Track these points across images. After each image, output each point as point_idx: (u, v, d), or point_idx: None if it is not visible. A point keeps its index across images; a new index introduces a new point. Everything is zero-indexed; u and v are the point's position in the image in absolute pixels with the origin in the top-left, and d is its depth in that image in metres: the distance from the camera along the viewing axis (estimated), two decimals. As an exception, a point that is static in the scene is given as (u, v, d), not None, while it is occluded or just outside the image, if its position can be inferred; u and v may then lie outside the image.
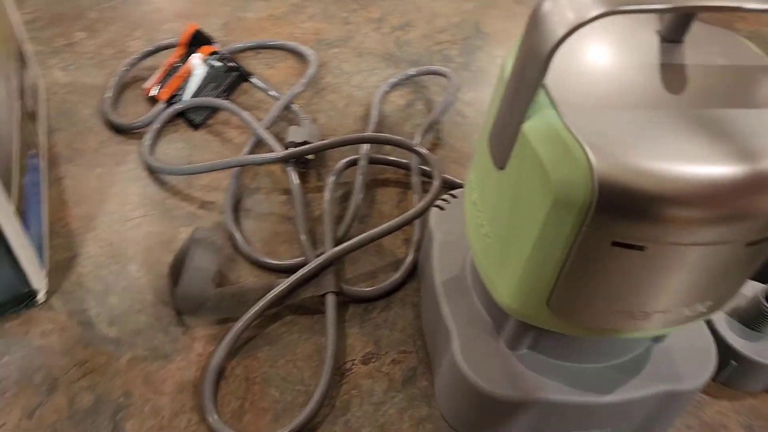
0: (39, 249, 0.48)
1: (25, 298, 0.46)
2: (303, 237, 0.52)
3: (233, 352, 0.46)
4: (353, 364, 0.46)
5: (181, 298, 0.46)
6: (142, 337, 0.46)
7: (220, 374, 0.45)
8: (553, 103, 0.30)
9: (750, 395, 0.46)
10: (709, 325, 0.46)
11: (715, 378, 0.47)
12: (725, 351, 0.45)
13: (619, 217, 0.28)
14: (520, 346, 0.40)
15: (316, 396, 0.43)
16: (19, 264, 0.44)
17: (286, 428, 0.41)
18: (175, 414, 0.43)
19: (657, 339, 0.41)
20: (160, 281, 0.49)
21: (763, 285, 0.46)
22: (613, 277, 0.31)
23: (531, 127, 0.30)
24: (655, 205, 0.27)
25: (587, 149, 0.28)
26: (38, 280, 0.46)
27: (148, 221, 0.53)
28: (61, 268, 0.50)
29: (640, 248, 0.29)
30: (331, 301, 0.47)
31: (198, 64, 0.62)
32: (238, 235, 0.52)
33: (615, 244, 0.29)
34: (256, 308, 0.46)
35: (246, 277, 0.50)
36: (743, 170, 0.27)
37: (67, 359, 0.45)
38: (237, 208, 0.55)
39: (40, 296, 0.47)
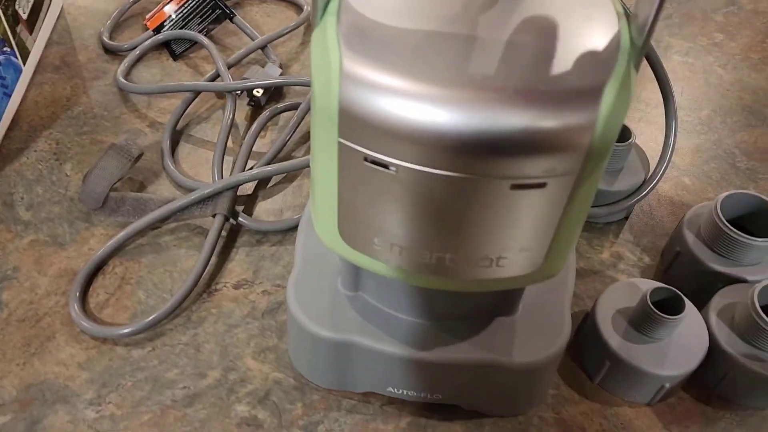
0: (-10, 134, 0.53)
1: (-39, 171, 0.51)
2: (215, 162, 0.54)
3: (118, 252, 0.49)
4: (224, 286, 0.47)
5: (84, 193, 0.49)
6: (48, 224, 0.50)
7: (100, 268, 0.48)
8: (339, 9, 0.29)
9: (628, 405, 0.42)
10: (592, 323, 0.43)
11: (592, 379, 0.44)
12: (601, 349, 0.42)
13: (361, 129, 0.27)
14: (351, 286, 0.39)
15: (169, 303, 0.45)
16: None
17: (133, 325, 0.44)
18: (48, 294, 0.46)
19: (504, 312, 0.39)
20: (88, 183, 0.53)
21: (651, 284, 0.42)
22: (376, 201, 0.30)
23: (316, 32, 0.29)
24: (392, 123, 0.26)
25: (343, 56, 0.27)
26: (-22, 159, 0.52)
27: (99, 130, 0.58)
28: (8, 155, 0.55)
29: (387, 167, 0.28)
30: (217, 222, 0.49)
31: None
32: (166, 151, 0.55)
33: (366, 160, 0.28)
34: (150, 217, 0.49)
35: (163, 192, 0.53)
36: (482, 105, 0.26)
37: (-20, 230, 0.50)
38: (180, 130, 0.58)
39: (-24, 172, 0.52)
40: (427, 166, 0.27)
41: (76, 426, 0.40)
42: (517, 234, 0.30)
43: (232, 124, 0.57)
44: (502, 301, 0.39)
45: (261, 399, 0.42)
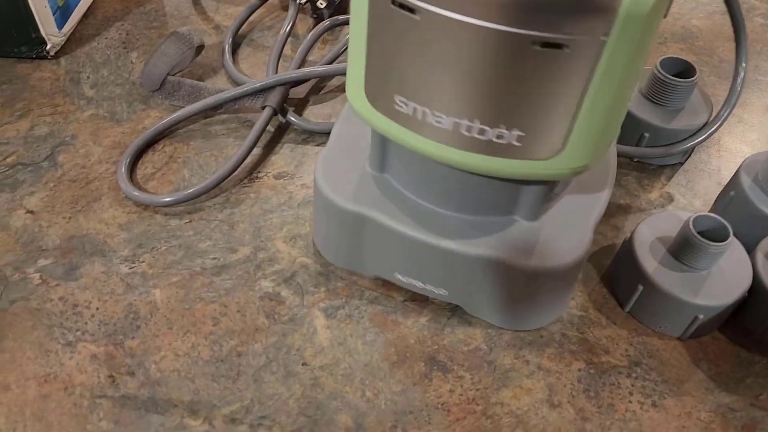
0: (65, 17, 0.56)
1: (35, 44, 0.54)
2: (270, 62, 0.55)
3: (170, 132, 0.51)
4: (265, 175, 0.48)
5: (144, 74, 0.51)
6: (109, 102, 0.52)
7: (151, 145, 0.50)
8: None
9: (658, 336, 0.41)
10: (629, 248, 0.41)
11: (623, 305, 0.42)
12: (636, 273, 0.41)
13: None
14: (377, 166, 0.39)
15: (210, 180, 0.46)
16: (34, 18, 0.52)
17: (173, 195, 0.45)
18: (100, 161, 0.48)
19: (525, 215, 0.39)
20: (151, 71, 0.55)
21: (691, 213, 0.40)
22: (400, 52, 0.30)
23: None
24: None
25: None
26: (52, 37, 0.54)
27: (167, 26, 0.59)
28: (81, 39, 0.58)
29: (413, 11, 0.27)
30: (265, 113, 0.49)
31: None
32: (227, 49, 0.56)
33: (393, 3, 0.28)
34: (203, 103, 0.50)
35: (217, 85, 0.54)
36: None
37: (46, 99, 0.52)
38: (242, 35, 0.60)
39: (50, 48, 0.55)
40: (451, 11, 0.27)
41: (109, 277, 0.42)
42: (536, 104, 0.29)
43: (291, 32, 0.58)
44: (524, 200, 0.38)
45: (286, 279, 0.42)
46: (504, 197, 0.38)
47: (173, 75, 0.52)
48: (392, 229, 0.38)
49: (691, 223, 0.39)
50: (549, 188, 0.37)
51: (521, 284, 0.38)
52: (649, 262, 0.40)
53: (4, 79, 0.54)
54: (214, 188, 0.46)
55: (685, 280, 0.40)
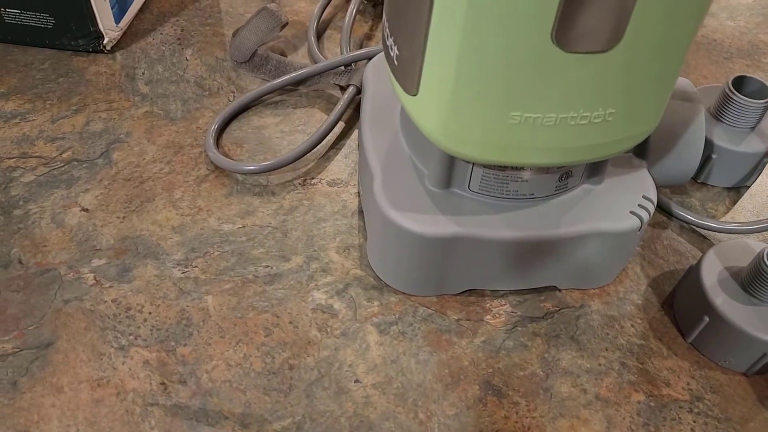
0: (122, 11, 0.56)
1: (93, 38, 0.54)
2: (344, 37, 0.57)
3: (254, 106, 0.53)
4: (319, 182, 0.48)
5: (234, 47, 0.53)
6: (163, 100, 0.52)
7: (236, 116, 0.52)
8: None
9: (722, 370, 0.39)
10: (695, 276, 0.40)
11: (686, 336, 0.41)
12: (701, 303, 0.39)
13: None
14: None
15: (292, 151, 0.48)
16: (93, 11, 0.52)
17: (257, 164, 0.47)
18: (154, 160, 0.48)
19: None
20: (203, 67, 0.55)
21: (765, 245, 0.38)
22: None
23: None
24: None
25: None
26: (109, 31, 0.54)
27: (222, 24, 0.59)
28: (136, 34, 0.57)
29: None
30: (349, 91, 0.51)
31: None
32: (311, 32, 0.58)
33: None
34: (289, 77, 0.52)
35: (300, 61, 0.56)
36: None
37: (102, 94, 0.52)
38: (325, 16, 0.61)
39: (106, 42, 0.54)
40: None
41: (162, 280, 0.42)
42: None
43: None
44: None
45: (339, 291, 0.42)
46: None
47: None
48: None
49: (765, 255, 0.37)
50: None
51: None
52: (717, 294, 0.39)
53: (61, 72, 0.54)
54: (296, 161, 0.48)
55: (754, 313, 0.38)
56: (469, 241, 0.38)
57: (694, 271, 0.41)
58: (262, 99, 0.53)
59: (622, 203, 0.39)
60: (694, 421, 0.37)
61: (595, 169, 0.40)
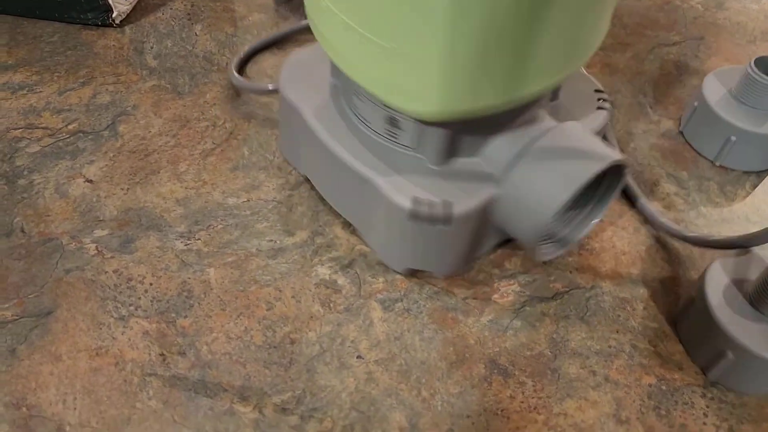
0: (133, -16, 0.55)
1: (102, 11, 0.53)
2: None
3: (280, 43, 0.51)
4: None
5: None
6: (171, 74, 0.52)
7: (262, 50, 0.50)
8: None
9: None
10: (704, 305, 0.36)
11: (707, 373, 0.37)
12: (719, 338, 0.36)
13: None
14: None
15: None
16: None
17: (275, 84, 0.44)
18: (160, 134, 0.47)
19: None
20: (212, 42, 0.54)
21: None
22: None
23: None
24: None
25: None
26: (119, 4, 0.54)
27: (232, 0, 0.58)
28: (146, 9, 0.57)
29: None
30: None
31: None
32: None
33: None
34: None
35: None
36: None
37: (110, 68, 0.52)
38: None
39: (115, 15, 0.54)
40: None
41: (164, 252, 0.41)
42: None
43: None
44: None
45: (343, 266, 0.41)
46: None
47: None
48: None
49: None
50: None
51: None
52: (732, 322, 0.35)
53: (70, 45, 0.53)
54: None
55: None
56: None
57: (698, 294, 0.37)
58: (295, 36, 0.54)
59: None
60: (707, 406, 0.36)
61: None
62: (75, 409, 0.34)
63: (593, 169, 0.34)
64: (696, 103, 0.48)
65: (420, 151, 0.37)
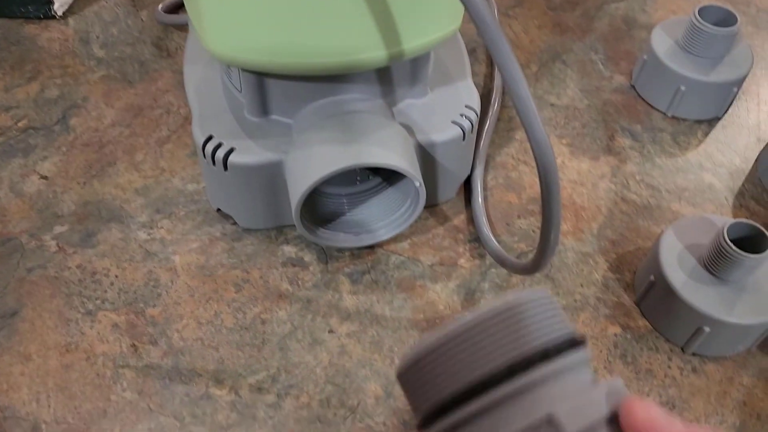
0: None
1: (42, 3, 0.52)
2: None
3: None
4: (284, 137, 0.47)
5: None
6: (120, 63, 0.51)
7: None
8: None
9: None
10: (667, 287, 0.36)
11: (684, 347, 0.38)
12: (691, 317, 0.36)
13: None
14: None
15: None
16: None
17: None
18: (113, 124, 0.47)
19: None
20: (159, 28, 0.53)
21: (725, 220, 0.36)
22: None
23: None
24: None
25: None
26: (59, -3, 0.52)
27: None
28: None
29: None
30: None
31: None
32: None
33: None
34: None
35: None
36: None
37: (56, 61, 0.51)
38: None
39: (57, 7, 0.53)
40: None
41: (127, 244, 0.41)
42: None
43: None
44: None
45: (310, 244, 0.41)
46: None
47: None
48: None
49: (724, 234, 0.35)
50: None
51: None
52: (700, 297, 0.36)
53: (12, 41, 0.52)
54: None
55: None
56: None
57: (654, 248, 0.38)
58: None
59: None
60: (671, 350, 0.37)
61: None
62: (49, 406, 0.34)
63: (357, 160, 0.34)
64: (645, 56, 0.49)
65: (244, 97, 0.38)
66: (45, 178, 0.44)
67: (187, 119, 0.47)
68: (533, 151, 0.28)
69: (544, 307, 0.18)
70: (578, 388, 0.18)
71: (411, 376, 0.19)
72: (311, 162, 0.35)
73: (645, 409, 0.17)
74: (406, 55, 0.34)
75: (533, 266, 0.34)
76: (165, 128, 0.47)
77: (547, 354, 0.18)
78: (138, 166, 0.44)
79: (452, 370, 0.18)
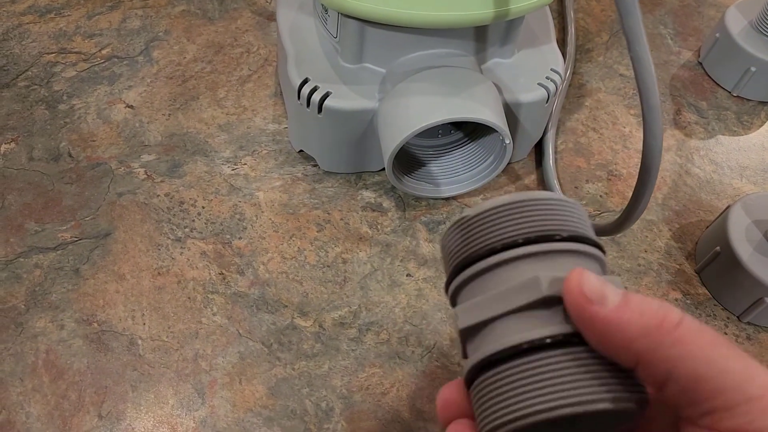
0: None
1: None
2: None
3: None
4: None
5: None
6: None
7: None
8: None
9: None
10: (729, 246, 0.38)
11: (740, 316, 0.39)
12: (755, 288, 0.38)
13: None
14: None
15: None
16: None
17: None
18: (195, 60, 0.48)
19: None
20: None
21: None
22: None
23: None
24: None
25: None
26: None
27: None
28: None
29: None
30: None
31: None
32: None
33: None
34: None
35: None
36: None
37: (136, -8, 0.51)
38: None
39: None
40: None
41: (212, 177, 0.42)
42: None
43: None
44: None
45: (388, 190, 0.43)
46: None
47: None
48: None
49: None
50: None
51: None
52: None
53: (91, -32, 0.52)
54: None
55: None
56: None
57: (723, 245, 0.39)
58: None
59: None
60: (728, 317, 0.39)
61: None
62: (144, 324, 0.36)
63: (457, 113, 0.35)
64: (717, 35, 0.50)
65: (340, 44, 0.39)
66: (131, 107, 0.45)
67: (267, 60, 0.48)
68: (644, 115, 0.30)
69: (579, 213, 0.21)
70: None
71: (447, 242, 0.21)
72: (409, 112, 0.36)
73: (579, 272, 0.18)
74: (511, 15, 0.35)
75: (615, 228, 0.35)
76: (246, 67, 0.47)
77: (559, 237, 0.19)
78: (220, 102, 0.45)
79: (479, 238, 0.20)
